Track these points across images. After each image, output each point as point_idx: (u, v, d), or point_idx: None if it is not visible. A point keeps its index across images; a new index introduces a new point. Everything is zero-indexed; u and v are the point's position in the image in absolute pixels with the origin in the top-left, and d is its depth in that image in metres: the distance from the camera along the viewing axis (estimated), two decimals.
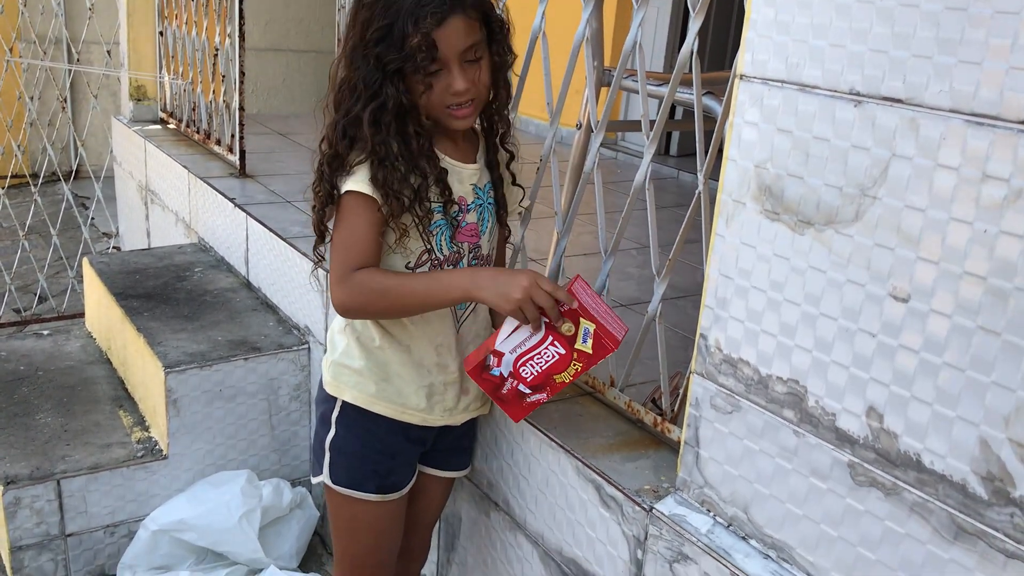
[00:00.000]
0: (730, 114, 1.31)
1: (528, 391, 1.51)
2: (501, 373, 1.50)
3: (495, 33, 1.50)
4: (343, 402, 1.62)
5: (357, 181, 1.46)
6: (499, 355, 1.49)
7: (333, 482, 1.65)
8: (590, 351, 1.47)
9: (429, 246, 1.53)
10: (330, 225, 1.54)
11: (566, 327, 1.47)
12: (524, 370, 1.49)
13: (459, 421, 1.70)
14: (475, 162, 1.60)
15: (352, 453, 1.64)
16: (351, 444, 1.64)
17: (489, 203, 1.62)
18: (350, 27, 1.46)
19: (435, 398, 1.63)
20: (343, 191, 1.47)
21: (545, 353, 1.48)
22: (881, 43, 1.10)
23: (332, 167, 1.49)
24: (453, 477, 1.82)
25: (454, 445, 1.78)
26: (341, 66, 1.47)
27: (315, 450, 1.69)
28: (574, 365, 1.49)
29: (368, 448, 1.64)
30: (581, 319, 1.46)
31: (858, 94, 1.13)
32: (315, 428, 1.70)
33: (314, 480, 1.70)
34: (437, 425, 1.67)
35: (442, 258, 1.55)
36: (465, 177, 1.57)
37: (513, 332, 1.48)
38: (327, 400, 1.65)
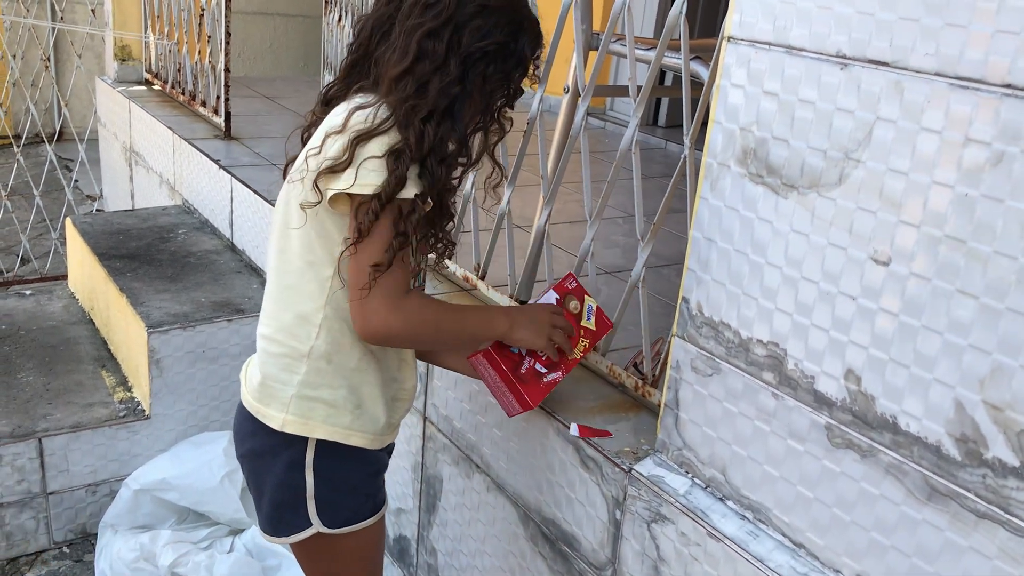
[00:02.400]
0: (717, 76, 1.31)
1: (544, 370, 1.51)
2: (520, 351, 1.50)
3: None
4: (316, 441, 1.39)
5: (420, 185, 1.28)
6: None
7: (329, 527, 1.42)
8: (594, 327, 1.55)
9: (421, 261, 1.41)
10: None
11: (573, 304, 1.54)
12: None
13: (396, 436, 1.55)
14: None
15: (345, 491, 1.44)
16: (341, 483, 1.43)
17: None
18: (444, 13, 1.29)
19: (388, 411, 1.45)
20: (400, 196, 1.26)
21: None
22: (868, 5, 1.10)
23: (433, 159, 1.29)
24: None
25: (390, 450, 1.58)
26: (413, 49, 1.29)
27: (286, 505, 1.42)
28: (581, 342, 1.53)
29: (357, 478, 1.45)
30: (585, 296, 1.55)
31: (844, 57, 1.13)
32: (276, 479, 1.41)
33: (297, 538, 1.44)
34: (389, 442, 1.51)
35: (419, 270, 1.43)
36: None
37: None
38: (289, 443, 1.39)
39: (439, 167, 1.29)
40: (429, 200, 1.29)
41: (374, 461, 1.47)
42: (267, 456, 1.41)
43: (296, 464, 1.39)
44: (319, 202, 1.30)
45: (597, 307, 1.56)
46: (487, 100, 1.35)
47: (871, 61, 1.11)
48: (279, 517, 1.43)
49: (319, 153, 1.28)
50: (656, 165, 3.90)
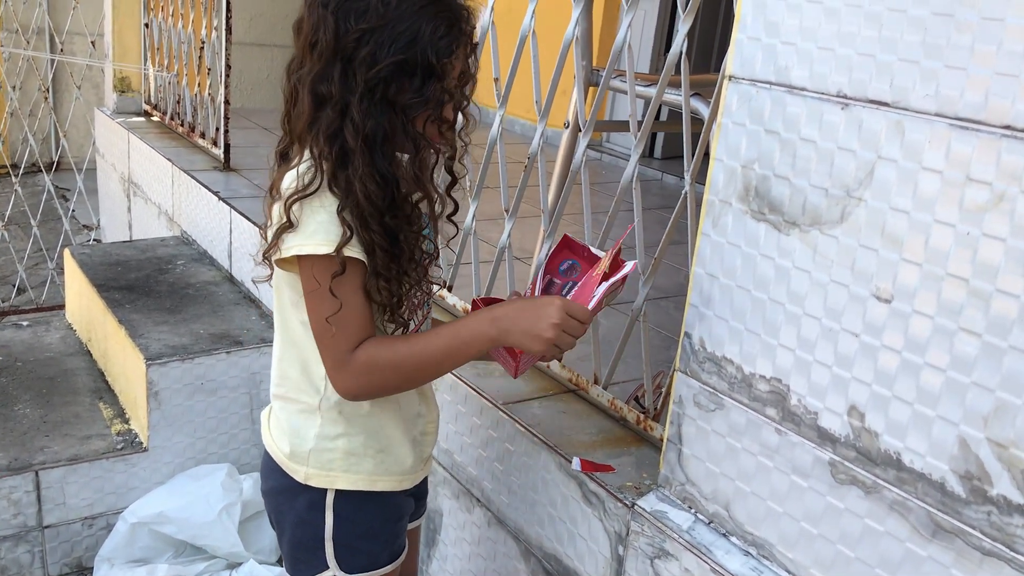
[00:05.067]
0: (718, 115, 1.33)
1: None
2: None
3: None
4: (335, 497, 1.37)
5: (351, 247, 1.21)
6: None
7: (346, 571, 1.40)
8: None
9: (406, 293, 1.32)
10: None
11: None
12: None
13: (430, 468, 1.55)
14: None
15: (364, 536, 1.41)
16: (360, 528, 1.40)
17: (429, 232, 1.41)
18: (328, 53, 1.20)
19: (417, 451, 1.43)
20: (311, 252, 1.21)
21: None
22: (869, 47, 1.12)
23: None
24: (419, 524, 1.64)
25: (422, 489, 1.55)
26: (312, 101, 1.22)
27: (304, 545, 1.40)
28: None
29: (378, 524, 1.42)
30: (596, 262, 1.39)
31: (845, 96, 1.15)
32: (295, 518, 1.40)
33: None
34: (421, 479, 1.50)
35: (415, 303, 1.36)
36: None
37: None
38: (305, 491, 1.37)
39: (375, 217, 1.21)
40: (378, 254, 1.22)
41: (396, 506, 1.44)
42: (288, 493, 1.39)
43: (316, 505, 1.37)
44: (270, 276, 1.30)
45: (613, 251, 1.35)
46: (405, 123, 1.22)
47: (872, 101, 1.12)
48: (297, 557, 1.42)
49: (270, 225, 1.26)
50: (653, 197, 3.92)
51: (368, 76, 1.19)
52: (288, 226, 1.22)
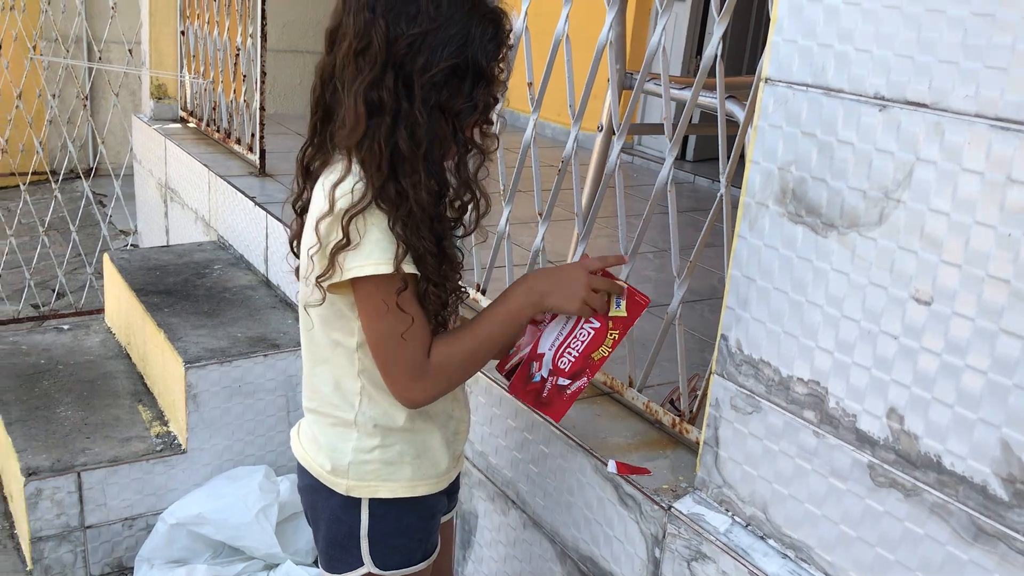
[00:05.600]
0: (754, 117, 1.33)
1: (567, 382, 1.42)
2: (542, 376, 1.43)
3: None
4: (371, 499, 1.39)
5: (399, 258, 1.21)
6: (540, 357, 1.42)
7: (381, 568, 1.41)
8: (625, 313, 1.39)
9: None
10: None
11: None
12: (562, 361, 1.42)
13: (462, 463, 1.56)
14: None
15: (398, 534, 1.42)
16: (394, 526, 1.41)
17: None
18: (380, 59, 1.18)
19: (450, 450, 1.45)
20: (373, 273, 1.21)
21: (580, 334, 1.39)
22: (907, 48, 1.12)
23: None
24: (451, 518, 1.65)
25: (455, 485, 1.56)
26: (365, 109, 1.20)
27: (339, 543, 1.42)
28: (610, 335, 1.40)
29: (411, 522, 1.43)
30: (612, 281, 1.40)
31: (883, 98, 1.15)
32: (331, 515, 1.42)
33: None
34: (455, 476, 1.51)
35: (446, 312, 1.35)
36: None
37: (547, 327, 1.42)
38: (345, 505, 1.39)
39: (426, 224, 1.22)
40: (429, 261, 1.23)
41: (431, 506, 1.44)
42: (324, 491, 1.40)
43: (352, 502, 1.38)
44: (323, 300, 1.27)
45: (628, 288, 1.38)
46: (455, 127, 1.23)
47: (910, 103, 1.12)
48: (332, 554, 1.43)
49: (319, 247, 1.23)
50: (685, 199, 3.91)
51: (423, 81, 1.18)
52: (345, 245, 1.20)
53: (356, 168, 1.22)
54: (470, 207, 1.32)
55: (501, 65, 1.26)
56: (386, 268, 1.20)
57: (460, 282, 1.37)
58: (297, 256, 1.36)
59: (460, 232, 1.35)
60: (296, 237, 1.38)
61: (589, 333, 1.39)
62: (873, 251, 1.18)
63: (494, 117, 1.32)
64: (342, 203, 1.20)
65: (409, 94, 1.18)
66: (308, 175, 1.33)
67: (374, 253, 1.20)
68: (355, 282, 1.23)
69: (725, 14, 1.51)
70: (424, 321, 1.27)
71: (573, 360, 1.40)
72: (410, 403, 1.31)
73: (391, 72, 1.18)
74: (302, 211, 1.36)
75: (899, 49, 1.12)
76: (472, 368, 1.35)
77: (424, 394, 1.30)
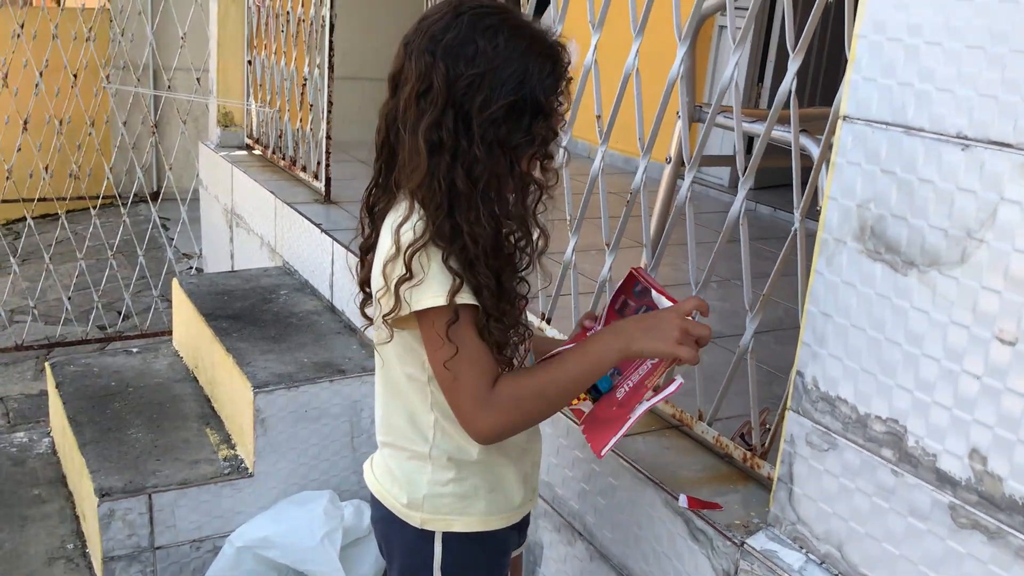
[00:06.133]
0: (831, 153, 1.33)
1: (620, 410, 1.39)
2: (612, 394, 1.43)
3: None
4: (445, 533, 1.39)
5: (454, 291, 1.23)
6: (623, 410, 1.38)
7: None
8: None
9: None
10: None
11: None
12: (619, 391, 1.41)
13: (536, 501, 1.56)
14: None
15: (470, 568, 1.43)
16: (469, 560, 1.42)
17: None
18: (440, 99, 1.21)
19: (525, 484, 1.45)
20: (423, 306, 1.23)
21: (642, 367, 1.38)
22: (991, 88, 1.11)
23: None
24: (520, 553, 1.64)
25: (526, 519, 1.56)
26: (427, 147, 1.22)
27: (413, 573, 1.43)
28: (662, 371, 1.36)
29: (485, 557, 1.44)
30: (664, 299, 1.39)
31: (965, 138, 1.15)
32: (405, 547, 1.43)
33: None
34: (529, 510, 1.52)
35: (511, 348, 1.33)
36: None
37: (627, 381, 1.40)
38: (419, 538, 1.40)
39: (482, 259, 1.23)
40: (485, 295, 1.24)
41: (503, 540, 1.46)
42: (398, 522, 1.41)
43: (425, 534, 1.39)
44: (391, 337, 1.30)
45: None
46: (512, 163, 1.24)
47: (994, 142, 1.11)
48: None
49: (385, 289, 1.26)
50: (748, 227, 3.89)
51: (481, 119, 1.21)
52: (408, 279, 1.23)
53: (418, 207, 1.25)
54: (529, 242, 1.32)
55: (560, 99, 1.28)
56: (441, 300, 1.22)
57: (523, 319, 1.37)
58: (368, 298, 1.39)
59: (522, 267, 1.36)
60: (365, 280, 1.40)
61: (648, 365, 1.37)
62: (955, 290, 1.17)
63: (556, 152, 1.34)
64: (405, 240, 1.23)
65: (468, 133, 1.21)
66: (373, 216, 1.36)
67: (432, 287, 1.23)
68: (419, 316, 1.26)
69: (800, 50, 1.52)
70: (486, 352, 1.27)
71: (628, 390, 1.39)
72: (477, 435, 1.30)
73: (451, 111, 1.21)
74: (367, 252, 1.39)
75: (982, 89, 1.12)
76: (544, 405, 1.32)
77: (489, 426, 1.28)
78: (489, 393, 1.26)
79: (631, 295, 1.47)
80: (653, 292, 1.41)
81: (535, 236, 1.32)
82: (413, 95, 1.23)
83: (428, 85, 1.22)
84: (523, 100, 1.22)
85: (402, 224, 1.25)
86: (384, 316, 1.28)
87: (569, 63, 1.30)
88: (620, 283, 1.49)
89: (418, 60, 1.23)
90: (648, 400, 1.32)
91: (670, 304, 1.35)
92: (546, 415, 1.37)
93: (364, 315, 1.40)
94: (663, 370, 1.34)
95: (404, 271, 1.23)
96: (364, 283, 1.41)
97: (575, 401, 1.47)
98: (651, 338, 1.27)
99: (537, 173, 1.30)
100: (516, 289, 1.32)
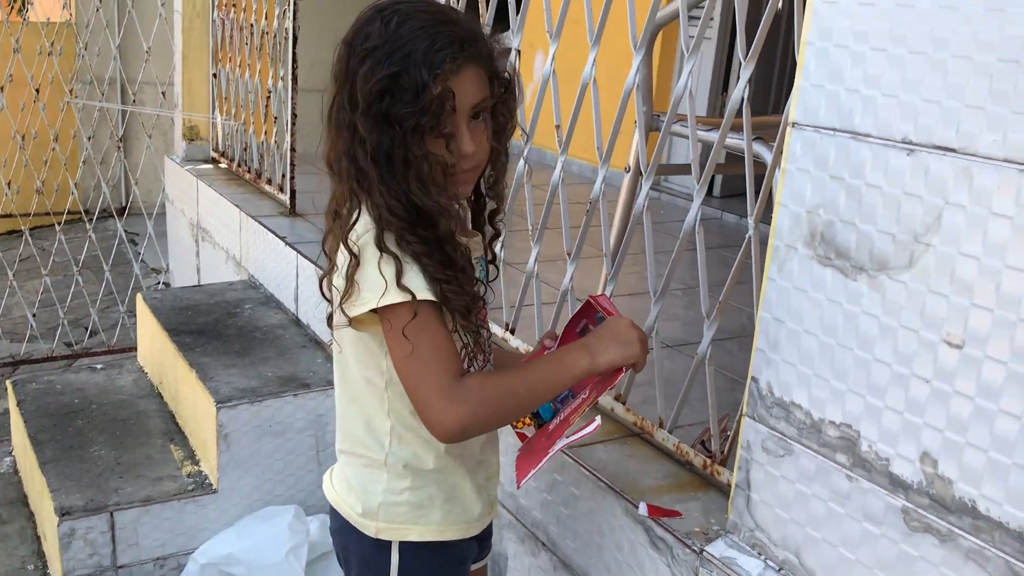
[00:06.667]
0: (781, 160, 1.34)
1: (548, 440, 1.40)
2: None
3: (501, 93, 1.31)
4: (401, 543, 1.39)
5: (418, 287, 1.22)
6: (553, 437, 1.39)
7: None
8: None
9: (471, 338, 1.32)
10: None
11: None
12: (552, 425, 1.42)
13: (497, 510, 1.57)
14: (475, 233, 1.43)
15: None
16: (423, 570, 1.42)
17: (484, 278, 1.45)
18: (340, 79, 1.24)
19: (483, 496, 1.45)
20: (396, 301, 1.22)
21: (575, 401, 1.40)
22: (934, 94, 1.12)
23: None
24: (484, 565, 1.64)
25: (486, 531, 1.55)
26: (335, 130, 1.25)
27: None
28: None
29: (442, 567, 1.44)
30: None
31: (911, 143, 1.15)
32: (361, 558, 1.43)
33: None
34: (488, 523, 1.51)
35: (472, 347, 1.33)
36: (474, 250, 1.39)
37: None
38: (375, 547, 1.39)
39: (405, 225, 1.22)
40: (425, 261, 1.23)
41: (461, 551, 1.45)
42: (355, 532, 1.40)
43: (382, 545, 1.39)
44: (350, 321, 1.29)
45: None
46: (407, 138, 1.21)
47: (938, 147, 1.12)
48: None
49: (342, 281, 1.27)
50: (712, 236, 3.90)
51: (366, 91, 1.20)
52: (356, 265, 1.23)
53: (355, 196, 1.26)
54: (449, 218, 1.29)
55: (458, 76, 1.22)
56: (399, 297, 1.21)
57: (484, 324, 1.38)
58: (327, 289, 1.37)
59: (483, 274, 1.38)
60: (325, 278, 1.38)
61: (579, 399, 1.38)
62: (903, 294, 1.18)
63: (462, 133, 1.26)
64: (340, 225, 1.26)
65: (358, 108, 1.21)
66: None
67: (378, 283, 1.22)
68: (379, 313, 1.24)
69: (752, 58, 1.53)
70: (448, 343, 1.26)
71: (558, 422, 1.39)
72: (441, 430, 1.24)
73: (346, 88, 1.23)
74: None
75: (926, 94, 1.13)
76: (512, 403, 1.30)
77: (455, 419, 1.23)
78: (455, 384, 1.23)
79: (592, 321, 1.47)
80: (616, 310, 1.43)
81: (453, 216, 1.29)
82: (330, 84, 1.27)
83: (337, 69, 1.26)
84: (407, 72, 1.20)
85: (337, 208, 1.27)
86: (340, 301, 1.26)
87: (487, 51, 1.27)
88: (579, 309, 1.48)
89: (338, 52, 1.26)
90: (567, 437, 1.32)
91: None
92: (512, 415, 1.36)
93: (328, 326, 1.38)
94: (591, 401, 1.34)
95: (351, 258, 1.24)
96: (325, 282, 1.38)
97: (519, 424, 1.48)
98: (618, 347, 1.30)
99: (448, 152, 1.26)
100: (460, 259, 1.28)
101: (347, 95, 1.23)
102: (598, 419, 1.30)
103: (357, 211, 1.27)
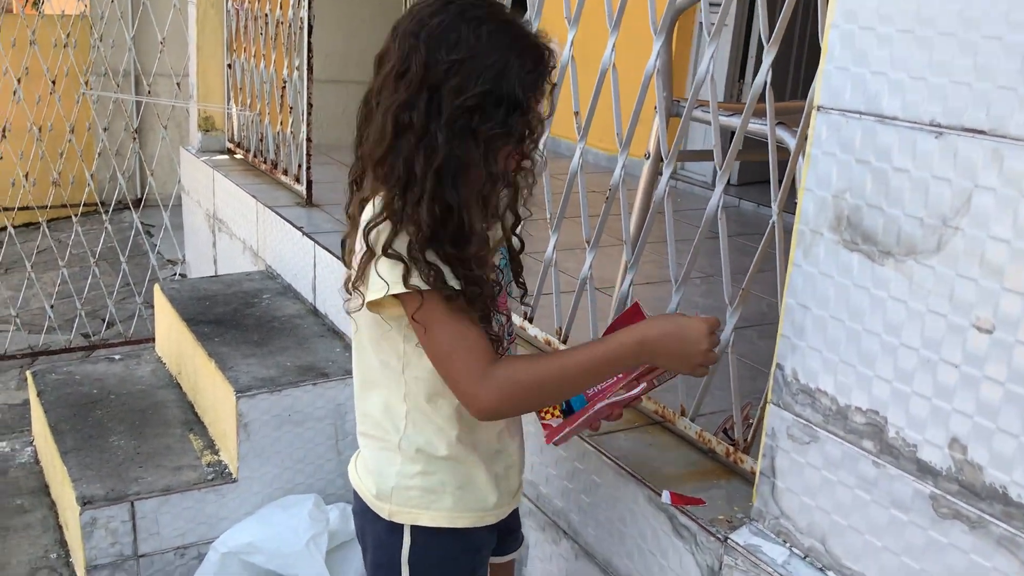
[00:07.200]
0: (807, 144, 1.32)
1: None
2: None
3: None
4: (413, 527, 1.40)
5: (448, 277, 1.23)
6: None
7: None
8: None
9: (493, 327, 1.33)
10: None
11: None
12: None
13: (518, 501, 1.56)
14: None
15: (438, 564, 1.43)
16: (435, 555, 1.42)
17: (506, 265, 1.46)
18: (416, 82, 1.22)
19: (501, 486, 1.45)
20: (422, 288, 1.22)
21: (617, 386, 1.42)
22: (963, 75, 1.11)
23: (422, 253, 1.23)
24: (513, 559, 1.66)
25: (511, 525, 1.57)
26: (393, 130, 1.23)
27: (382, 568, 1.44)
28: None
29: (454, 552, 1.44)
30: None
31: (939, 125, 1.14)
32: (375, 540, 1.45)
33: None
34: (507, 514, 1.50)
35: (493, 337, 1.33)
36: (494, 239, 1.39)
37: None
38: (389, 530, 1.40)
39: (451, 247, 1.23)
40: (459, 279, 1.24)
41: (476, 540, 1.45)
42: (371, 514, 1.42)
43: (395, 528, 1.40)
44: (362, 304, 1.29)
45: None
46: (487, 156, 1.24)
47: (968, 130, 1.11)
48: None
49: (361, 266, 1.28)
50: (731, 224, 3.84)
51: (454, 105, 1.21)
52: (371, 256, 1.24)
53: (380, 192, 1.27)
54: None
55: (540, 98, 1.28)
56: (399, 287, 1.22)
57: (507, 311, 1.39)
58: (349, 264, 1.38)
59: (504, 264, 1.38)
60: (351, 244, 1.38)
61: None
62: (931, 279, 1.16)
63: (535, 153, 1.33)
64: (365, 223, 1.26)
65: (438, 117, 1.21)
66: (355, 188, 1.37)
67: (390, 274, 1.23)
68: (402, 299, 1.25)
69: (774, 42, 1.52)
70: (473, 331, 1.26)
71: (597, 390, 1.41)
72: (478, 410, 1.27)
73: (424, 94, 1.21)
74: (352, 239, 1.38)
75: (955, 76, 1.12)
76: (545, 394, 1.33)
77: (489, 398, 1.25)
78: (488, 368, 1.25)
79: None
80: None
81: (502, 229, 1.34)
82: (392, 75, 1.24)
83: (407, 67, 1.22)
84: (500, 92, 1.22)
85: (365, 199, 1.28)
86: (353, 282, 1.28)
87: (554, 66, 1.30)
88: (624, 312, 1.48)
89: (402, 42, 1.24)
90: (609, 399, 1.36)
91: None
92: (544, 403, 1.39)
93: (347, 312, 1.38)
94: (640, 389, 1.38)
95: (365, 248, 1.24)
96: (348, 262, 1.38)
97: (546, 415, 1.47)
98: (671, 357, 1.30)
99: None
100: (489, 281, 1.30)
101: (425, 102, 1.21)
102: (643, 384, 1.33)
103: (383, 205, 1.26)
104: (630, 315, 1.44)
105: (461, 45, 1.21)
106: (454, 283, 1.23)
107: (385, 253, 1.23)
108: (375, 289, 1.25)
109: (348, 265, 1.37)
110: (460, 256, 1.24)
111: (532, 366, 1.30)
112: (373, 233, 1.25)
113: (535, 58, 1.26)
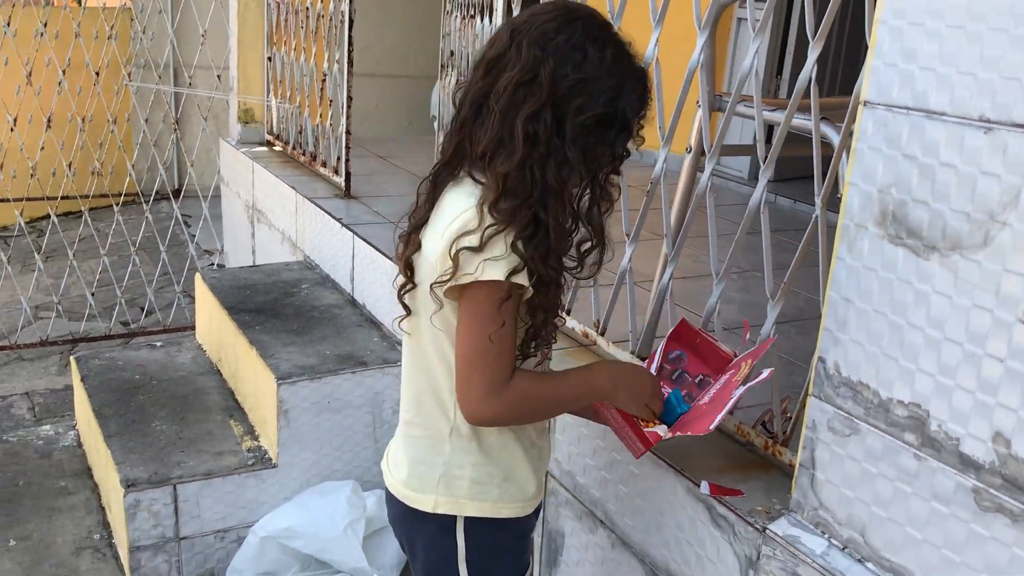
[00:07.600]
0: (852, 139, 1.33)
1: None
2: None
3: None
4: (465, 518, 1.41)
5: (516, 271, 1.25)
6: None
7: None
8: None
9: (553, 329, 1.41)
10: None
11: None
12: (704, 399, 1.54)
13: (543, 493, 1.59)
14: None
15: (495, 555, 1.46)
16: (490, 548, 1.45)
17: None
18: (541, 93, 1.25)
19: (536, 476, 1.48)
20: (486, 278, 1.25)
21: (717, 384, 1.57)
22: (1014, 70, 1.11)
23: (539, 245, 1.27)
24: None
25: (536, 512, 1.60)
26: (522, 137, 1.25)
27: (438, 567, 1.45)
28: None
29: (507, 543, 1.48)
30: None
31: (988, 121, 1.14)
32: (426, 541, 1.46)
33: None
34: (539, 502, 1.53)
35: (541, 342, 1.40)
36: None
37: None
38: (433, 516, 1.42)
39: (553, 255, 1.28)
40: (530, 288, 1.27)
41: (522, 524, 1.48)
42: (417, 517, 1.43)
43: (447, 528, 1.41)
44: (440, 308, 1.32)
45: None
46: (592, 173, 1.32)
47: (1017, 125, 1.11)
48: None
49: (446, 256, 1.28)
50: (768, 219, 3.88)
51: (575, 123, 1.26)
52: (478, 250, 1.24)
53: (488, 188, 1.28)
54: (602, 250, 1.38)
55: (642, 121, 1.34)
56: (500, 276, 1.24)
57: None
58: (408, 271, 1.39)
59: (578, 273, 1.40)
60: (408, 260, 1.39)
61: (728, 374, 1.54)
62: (977, 273, 1.17)
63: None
64: (487, 218, 1.25)
65: (560, 132, 1.26)
66: (434, 186, 1.38)
67: (500, 263, 1.25)
68: (471, 289, 1.27)
69: (820, 38, 1.52)
70: (514, 344, 1.31)
71: (713, 394, 1.53)
72: (472, 415, 1.33)
73: (549, 109, 1.25)
74: (418, 228, 1.38)
75: (1005, 71, 1.12)
76: (542, 410, 1.45)
77: (493, 412, 1.32)
78: (504, 383, 1.30)
79: (665, 359, 1.63)
80: (702, 338, 1.64)
81: (604, 245, 1.38)
82: (514, 82, 1.26)
83: (532, 77, 1.25)
84: (613, 114, 1.28)
85: (486, 203, 1.26)
86: (439, 278, 1.29)
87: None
88: (672, 331, 1.64)
89: (527, 51, 1.26)
90: (744, 385, 1.45)
91: (744, 370, 1.50)
92: (531, 420, 1.45)
93: (400, 299, 1.40)
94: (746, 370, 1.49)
95: (478, 243, 1.25)
96: (408, 264, 1.39)
97: (648, 424, 1.48)
98: (630, 396, 1.44)
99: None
100: (560, 277, 1.34)
101: (551, 117, 1.25)
102: (767, 371, 1.44)
103: (489, 194, 1.28)
104: (672, 337, 1.56)
105: (586, 65, 1.26)
106: (533, 282, 1.27)
107: (484, 245, 1.24)
108: (467, 273, 1.26)
109: (406, 248, 1.39)
110: (551, 263, 1.28)
111: (540, 383, 1.38)
112: (495, 233, 1.25)
113: (643, 82, 1.33)
